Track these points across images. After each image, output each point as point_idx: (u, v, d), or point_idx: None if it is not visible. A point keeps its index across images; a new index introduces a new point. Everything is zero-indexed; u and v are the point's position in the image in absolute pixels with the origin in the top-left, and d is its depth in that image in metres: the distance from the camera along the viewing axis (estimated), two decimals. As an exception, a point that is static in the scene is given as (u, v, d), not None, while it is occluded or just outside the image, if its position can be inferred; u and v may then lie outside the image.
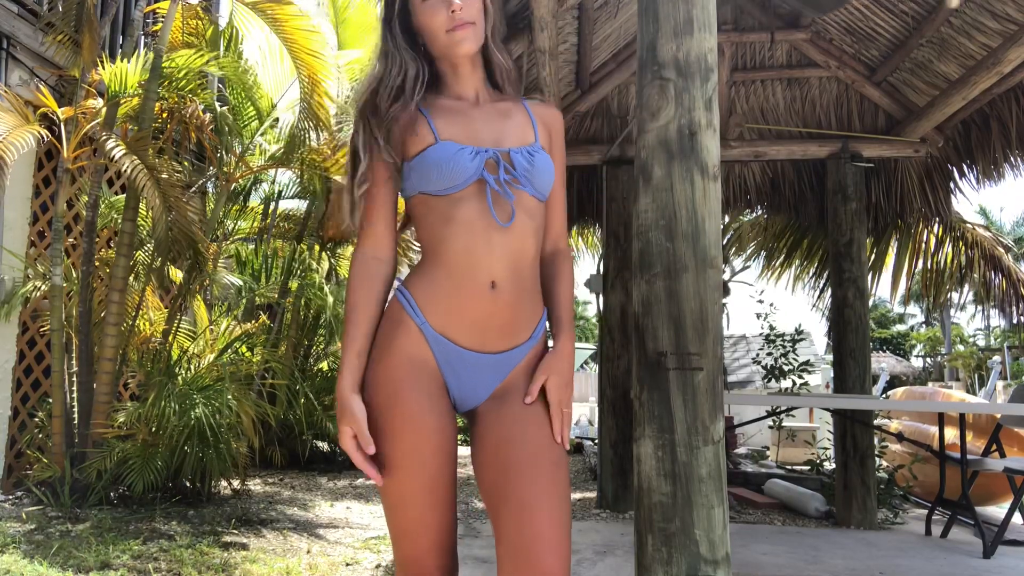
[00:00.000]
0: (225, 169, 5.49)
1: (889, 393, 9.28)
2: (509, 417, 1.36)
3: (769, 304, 6.90)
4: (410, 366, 1.35)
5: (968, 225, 6.40)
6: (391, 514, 1.35)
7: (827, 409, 5.12)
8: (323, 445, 6.70)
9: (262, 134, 5.78)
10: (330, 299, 6.24)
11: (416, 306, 1.36)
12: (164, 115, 5.00)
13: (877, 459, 5.11)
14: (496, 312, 1.36)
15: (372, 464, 1.32)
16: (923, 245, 6.26)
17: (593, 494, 5.40)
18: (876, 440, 5.06)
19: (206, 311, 5.61)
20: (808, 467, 5.94)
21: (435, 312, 1.35)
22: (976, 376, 23.42)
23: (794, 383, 6.35)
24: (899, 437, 4.99)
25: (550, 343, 1.45)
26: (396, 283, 1.44)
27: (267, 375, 5.80)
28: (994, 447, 4.58)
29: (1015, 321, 6.66)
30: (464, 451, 5.58)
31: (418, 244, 1.45)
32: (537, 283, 1.44)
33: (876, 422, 5.74)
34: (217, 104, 5.37)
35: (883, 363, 18.15)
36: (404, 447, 1.31)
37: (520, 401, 1.38)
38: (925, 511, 4.69)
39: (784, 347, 6.51)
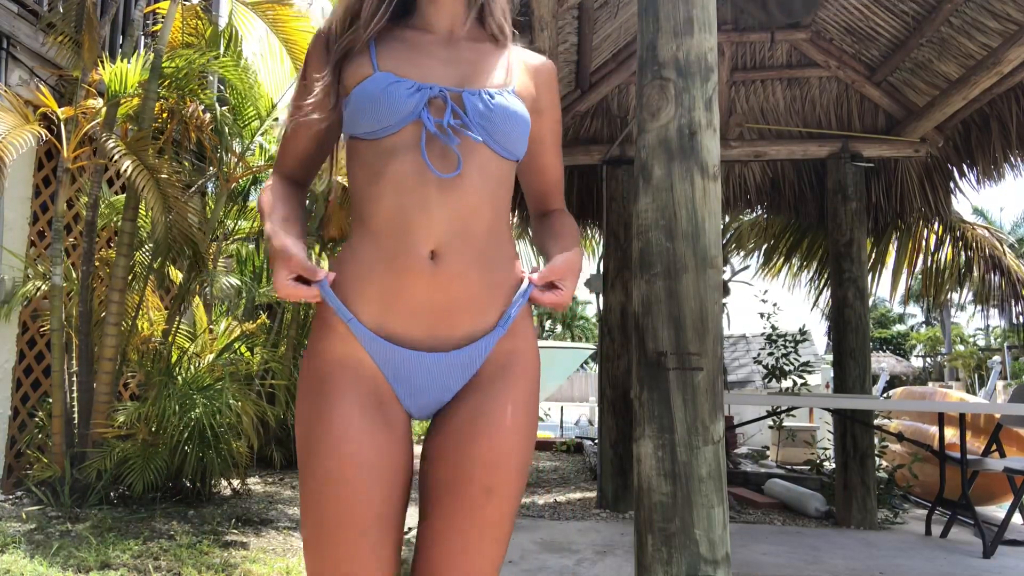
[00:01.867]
0: (225, 169, 5.49)
1: (889, 393, 9.28)
2: (456, 423, 1.11)
3: (773, 304, 6.90)
4: (340, 372, 1.08)
5: (968, 225, 6.40)
6: (306, 554, 1.06)
7: (827, 409, 5.12)
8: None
9: (262, 134, 5.78)
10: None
11: (339, 298, 1.09)
12: (164, 115, 5.00)
13: (877, 459, 5.11)
14: (439, 288, 1.07)
15: (310, 289, 1.08)
16: (923, 245, 6.26)
17: (593, 494, 5.40)
18: (876, 440, 5.06)
19: (206, 311, 5.61)
20: (808, 467, 5.93)
21: (364, 301, 1.08)
22: (976, 376, 23.46)
23: (795, 383, 6.36)
24: (899, 437, 4.99)
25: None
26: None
27: (267, 375, 5.80)
28: (994, 447, 4.58)
29: (1015, 321, 6.66)
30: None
31: None
32: (501, 254, 1.14)
33: (876, 422, 5.73)
34: (217, 104, 5.37)
35: (883, 363, 18.17)
36: (324, 471, 1.03)
37: (475, 406, 1.11)
38: (925, 511, 4.69)
39: (786, 347, 6.51)
